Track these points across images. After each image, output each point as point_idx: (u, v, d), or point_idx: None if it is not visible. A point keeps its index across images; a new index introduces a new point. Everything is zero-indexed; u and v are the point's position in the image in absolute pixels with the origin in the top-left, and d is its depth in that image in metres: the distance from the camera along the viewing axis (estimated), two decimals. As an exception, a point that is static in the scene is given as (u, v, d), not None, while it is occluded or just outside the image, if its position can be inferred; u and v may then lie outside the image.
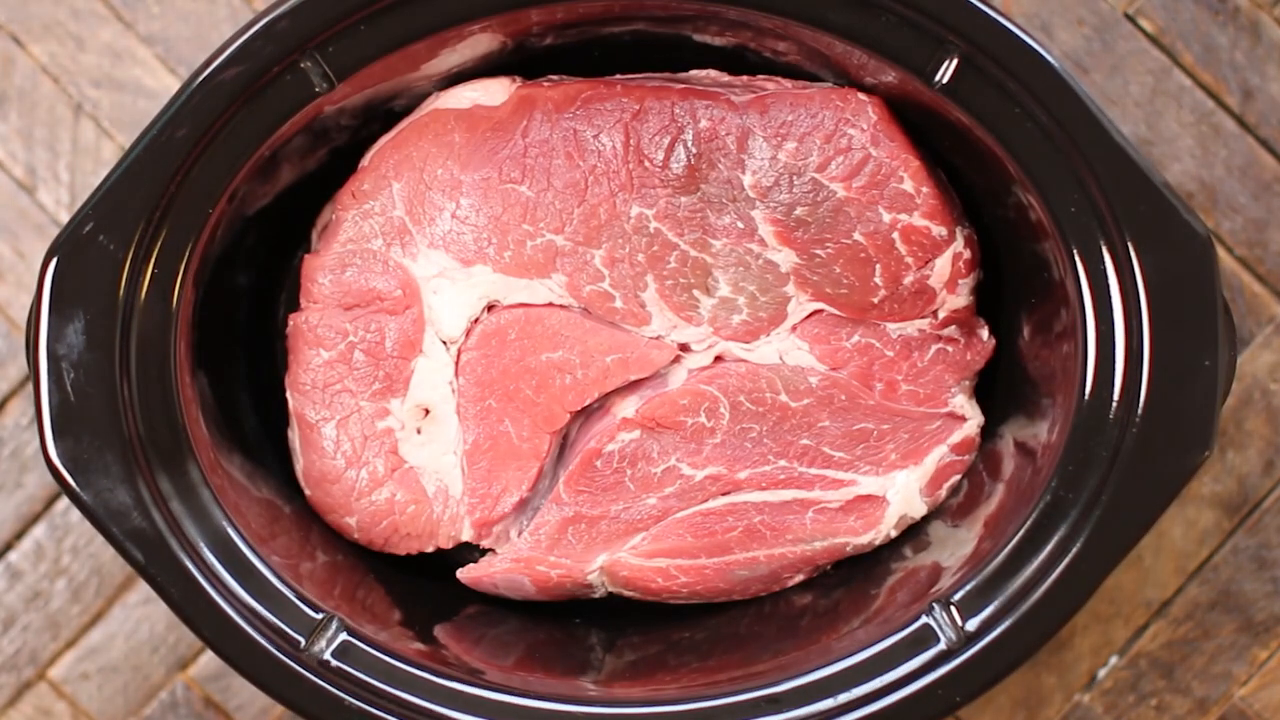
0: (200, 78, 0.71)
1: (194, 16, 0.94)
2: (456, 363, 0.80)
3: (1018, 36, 0.71)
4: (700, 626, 0.83)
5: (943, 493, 0.82)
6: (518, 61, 0.79)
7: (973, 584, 0.74)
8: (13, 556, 0.93)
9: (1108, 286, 0.72)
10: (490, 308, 0.80)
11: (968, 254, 0.79)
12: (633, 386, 0.80)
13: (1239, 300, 0.94)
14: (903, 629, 0.74)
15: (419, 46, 0.73)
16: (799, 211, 0.78)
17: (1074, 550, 0.73)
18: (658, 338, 0.80)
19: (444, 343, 0.80)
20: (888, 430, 0.81)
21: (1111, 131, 0.71)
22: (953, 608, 0.74)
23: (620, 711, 0.74)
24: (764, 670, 0.75)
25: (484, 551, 0.83)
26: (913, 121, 0.77)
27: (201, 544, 0.73)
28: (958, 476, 0.82)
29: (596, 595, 0.83)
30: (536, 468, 0.81)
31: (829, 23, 0.72)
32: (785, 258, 0.79)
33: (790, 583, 0.83)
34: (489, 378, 0.80)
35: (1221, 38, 0.93)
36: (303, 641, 0.73)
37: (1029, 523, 0.73)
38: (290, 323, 0.81)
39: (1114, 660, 0.94)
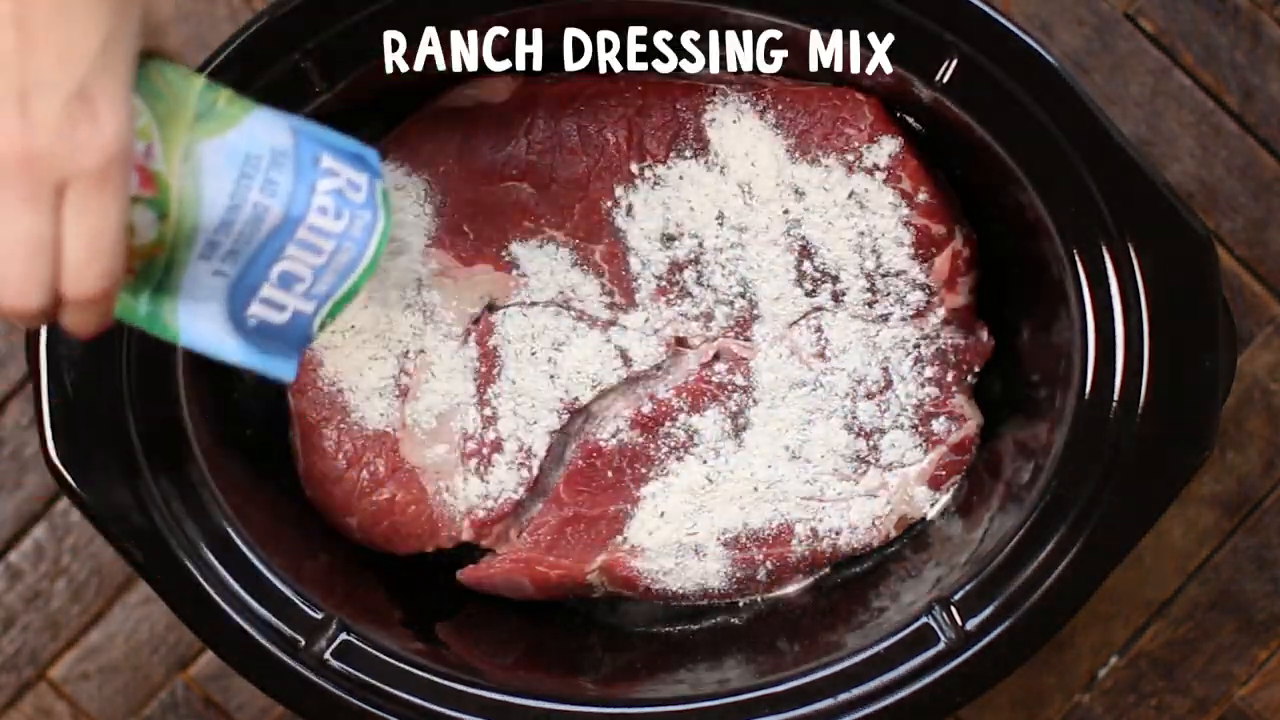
0: (200, 78, 0.71)
1: (194, 16, 0.94)
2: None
3: (1018, 36, 0.71)
4: (700, 626, 0.83)
5: (943, 493, 0.82)
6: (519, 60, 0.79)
7: (973, 584, 0.74)
8: (13, 556, 0.93)
9: (1108, 286, 0.72)
10: (491, 306, 0.79)
11: (966, 252, 0.79)
12: (631, 384, 0.80)
13: (1239, 300, 0.94)
14: (903, 629, 0.74)
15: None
16: (799, 211, 0.78)
17: (1074, 550, 0.73)
18: (656, 333, 0.79)
19: (445, 341, 0.80)
20: (887, 430, 0.81)
21: (1111, 131, 0.71)
22: (953, 608, 0.74)
23: (620, 711, 0.74)
24: (764, 670, 0.75)
25: (484, 551, 0.83)
26: (913, 122, 0.77)
27: (201, 544, 0.73)
28: (958, 476, 0.82)
29: (596, 595, 0.83)
30: (536, 467, 0.81)
31: (830, 24, 0.72)
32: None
33: (790, 583, 0.82)
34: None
35: (1221, 38, 0.93)
36: (303, 641, 0.73)
37: (1029, 523, 0.73)
38: (290, 323, 0.81)
39: (1114, 660, 0.94)
